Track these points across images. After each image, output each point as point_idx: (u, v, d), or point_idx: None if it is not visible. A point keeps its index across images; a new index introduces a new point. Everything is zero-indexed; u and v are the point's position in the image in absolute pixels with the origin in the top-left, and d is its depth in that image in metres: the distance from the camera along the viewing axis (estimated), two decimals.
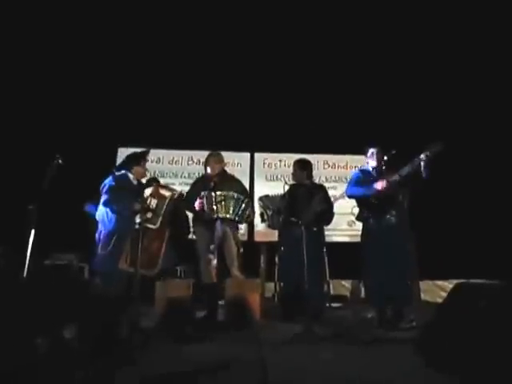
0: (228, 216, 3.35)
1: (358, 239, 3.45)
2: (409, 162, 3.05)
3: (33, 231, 2.83)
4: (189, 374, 1.68)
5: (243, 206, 3.41)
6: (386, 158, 3.31)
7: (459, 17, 5.71)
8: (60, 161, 3.05)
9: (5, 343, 1.55)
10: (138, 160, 3.49)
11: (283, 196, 3.68)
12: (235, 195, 3.41)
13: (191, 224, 3.67)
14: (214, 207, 3.32)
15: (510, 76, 5.86)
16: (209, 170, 3.64)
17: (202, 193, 3.41)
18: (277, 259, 4.53)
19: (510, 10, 5.44)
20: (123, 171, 3.42)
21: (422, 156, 2.95)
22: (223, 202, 3.35)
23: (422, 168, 2.96)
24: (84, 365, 1.63)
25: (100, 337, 1.83)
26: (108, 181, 3.32)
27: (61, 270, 4.60)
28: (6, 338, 1.56)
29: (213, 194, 3.36)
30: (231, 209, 3.37)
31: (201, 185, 3.57)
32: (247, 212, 3.47)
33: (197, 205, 3.40)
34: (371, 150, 3.39)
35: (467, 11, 5.61)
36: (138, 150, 3.61)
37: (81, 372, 1.57)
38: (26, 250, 2.76)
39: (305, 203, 3.45)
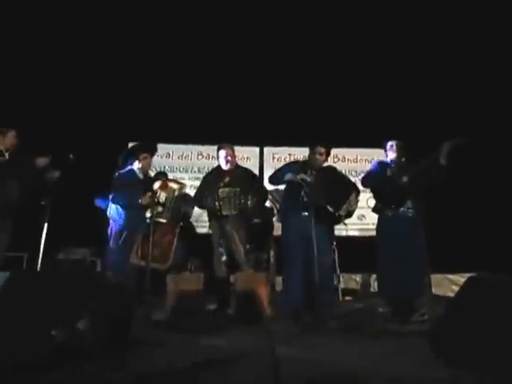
0: (231, 213, 3.30)
1: (368, 233, 3.44)
2: (428, 156, 3.05)
3: (45, 226, 2.88)
4: (199, 367, 1.70)
5: (240, 198, 3.32)
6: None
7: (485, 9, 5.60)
8: (72, 157, 3.08)
9: (22, 335, 1.59)
10: (139, 153, 3.49)
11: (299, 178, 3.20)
12: (235, 190, 3.34)
13: (207, 218, 3.62)
14: (218, 204, 3.28)
15: None
16: (228, 164, 3.47)
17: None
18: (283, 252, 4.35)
19: None
20: (129, 167, 3.45)
21: (442, 149, 2.96)
22: (227, 199, 3.30)
23: (441, 160, 2.97)
24: (97, 356, 1.65)
25: (112, 329, 1.85)
26: (116, 177, 3.35)
27: (74, 264, 4.68)
28: (24, 330, 1.60)
29: (218, 191, 3.31)
30: (232, 205, 3.31)
31: (213, 179, 3.49)
32: (242, 201, 3.33)
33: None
34: (390, 143, 3.36)
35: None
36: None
37: (93, 363, 1.60)
38: (40, 245, 2.81)
39: (343, 192, 3.25)
